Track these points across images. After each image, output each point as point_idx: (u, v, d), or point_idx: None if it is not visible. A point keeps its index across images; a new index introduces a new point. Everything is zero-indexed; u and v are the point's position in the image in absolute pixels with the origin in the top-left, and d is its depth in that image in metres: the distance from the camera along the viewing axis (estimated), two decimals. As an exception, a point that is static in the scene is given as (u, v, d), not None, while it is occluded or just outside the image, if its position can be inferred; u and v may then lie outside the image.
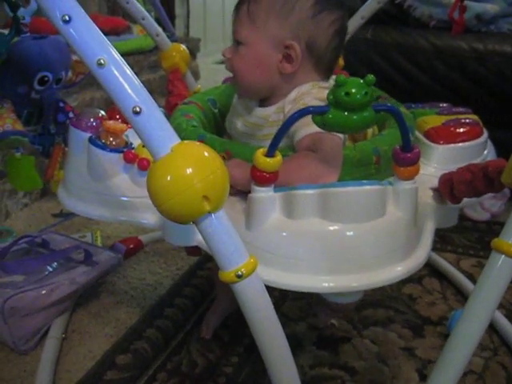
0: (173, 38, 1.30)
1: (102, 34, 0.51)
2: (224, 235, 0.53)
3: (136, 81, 0.51)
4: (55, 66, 0.84)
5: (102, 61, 0.50)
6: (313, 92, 0.79)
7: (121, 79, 0.50)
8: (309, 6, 0.79)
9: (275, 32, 0.79)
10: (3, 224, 1.52)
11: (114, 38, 2.00)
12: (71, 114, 0.87)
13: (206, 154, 0.51)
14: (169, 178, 0.50)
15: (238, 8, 0.83)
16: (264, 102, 0.84)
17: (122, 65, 0.51)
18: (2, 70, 0.79)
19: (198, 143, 0.53)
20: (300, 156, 0.72)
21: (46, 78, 0.82)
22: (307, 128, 0.72)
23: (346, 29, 0.86)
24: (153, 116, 0.51)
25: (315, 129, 0.66)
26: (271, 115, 0.82)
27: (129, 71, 0.51)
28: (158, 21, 1.35)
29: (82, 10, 0.51)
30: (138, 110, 0.50)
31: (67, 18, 0.50)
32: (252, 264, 0.54)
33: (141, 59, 2.05)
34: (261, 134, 0.83)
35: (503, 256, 0.59)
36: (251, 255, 0.55)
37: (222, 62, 0.90)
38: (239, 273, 0.54)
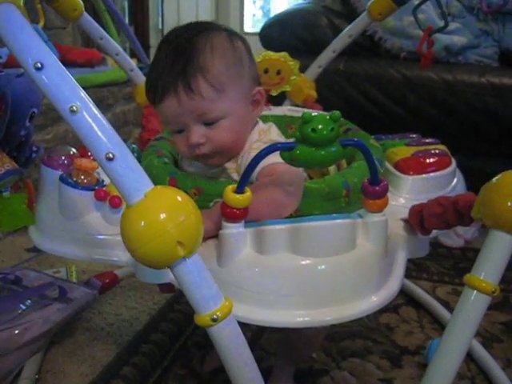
0: (147, 68, 1.31)
1: (75, 81, 0.52)
2: (198, 279, 0.53)
3: (108, 127, 0.51)
4: (39, 101, 0.84)
5: (74, 108, 0.50)
6: (260, 138, 0.81)
7: (93, 125, 0.50)
8: (244, 49, 0.81)
9: (243, 88, 0.79)
10: (-25, 260, 1.49)
11: (89, 69, 2.00)
12: (34, 148, 0.86)
13: (179, 198, 0.52)
14: (142, 224, 0.50)
15: (189, 90, 0.74)
16: None
17: (94, 111, 0.51)
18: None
19: (171, 188, 0.53)
20: (261, 187, 0.71)
21: (34, 114, 0.82)
22: (265, 160, 0.73)
23: None
24: (126, 162, 0.51)
25: (271, 160, 0.68)
26: (228, 166, 0.82)
27: (101, 117, 0.51)
28: (133, 51, 1.37)
29: (54, 57, 0.52)
30: (111, 156, 0.50)
31: (39, 65, 0.50)
32: (227, 307, 0.54)
33: (115, 91, 2.05)
34: None
35: (475, 291, 0.61)
36: (226, 298, 0.55)
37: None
38: (214, 316, 0.53)
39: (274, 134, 0.83)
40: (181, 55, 0.76)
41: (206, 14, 4.50)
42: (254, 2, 5.17)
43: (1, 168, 0.76)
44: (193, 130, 0.77)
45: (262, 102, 0.83)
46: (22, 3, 0.53)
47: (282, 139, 0.83)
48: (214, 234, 0.68)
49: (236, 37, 0.82)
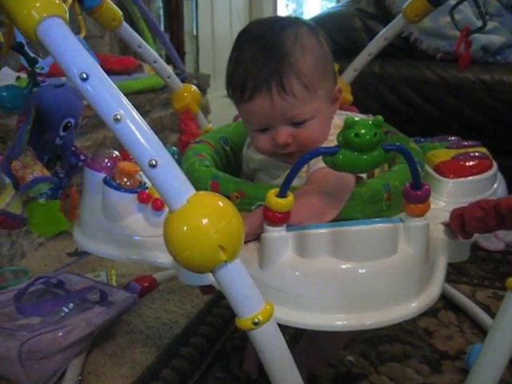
0: (183, 75, 1.33)
1: (118, 90, 0.53)
2: (240, 283, 0.54)
3: (151, 134, 0.53)
4: (76, 112, 0.86)
5: (118, 116, 0.51)
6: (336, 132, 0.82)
7: (137, 133, 0.52)
8: (327, 45, 0.81)
9: (329, 87, 0.80)
10: (19, 264, 1.54)
11: (126, 77, 2.03)
12: (82, 157, 0.89)
13: (220, 203, 0.53)
14: (185, 229, 0.51)
15: (282, 90, 0.74)
16: None
17: (137, 119, 0.52)
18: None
19: (212, 193, 0.54)
20: (304, 193, 0.72)
21: (69, 124, 0.85)
22: (317, 164, 0.74)
23: None
24: (168, 168, 0.52)
25: (321, 164, 0.68)
26: None
27: (144, 125, 0.52)
28: (169, 58, 1.39)
29: (99, 67, 0.53)
30: (153, 163, 0.51)
31: (85, 75, 0.52)
32: (268, 311, 0.55)
33: (152, 97, 2.08)
34: None
35: (518, 296, 0.60)
36: (267, 302, 0.56)
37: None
38: (256, 320, 0.54)
39: None
40: (271, 53, 0.75)
41: (239, 20, 4.53)
42: (287, 6, 5.18)
43: (29, 175, 0.78)
44: (280, 130, 0.77)
45: (340, 98, 0.83)
46: (67, 16, 0.54)
47: None
48: (252, 238, 0.69)
49: (319, 32, 0.81)
